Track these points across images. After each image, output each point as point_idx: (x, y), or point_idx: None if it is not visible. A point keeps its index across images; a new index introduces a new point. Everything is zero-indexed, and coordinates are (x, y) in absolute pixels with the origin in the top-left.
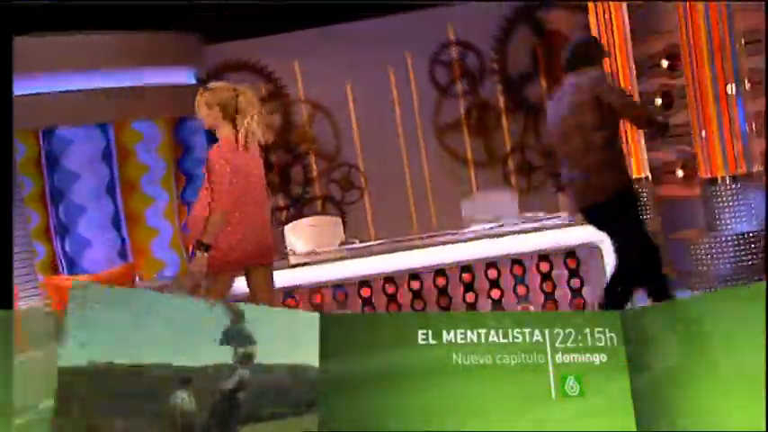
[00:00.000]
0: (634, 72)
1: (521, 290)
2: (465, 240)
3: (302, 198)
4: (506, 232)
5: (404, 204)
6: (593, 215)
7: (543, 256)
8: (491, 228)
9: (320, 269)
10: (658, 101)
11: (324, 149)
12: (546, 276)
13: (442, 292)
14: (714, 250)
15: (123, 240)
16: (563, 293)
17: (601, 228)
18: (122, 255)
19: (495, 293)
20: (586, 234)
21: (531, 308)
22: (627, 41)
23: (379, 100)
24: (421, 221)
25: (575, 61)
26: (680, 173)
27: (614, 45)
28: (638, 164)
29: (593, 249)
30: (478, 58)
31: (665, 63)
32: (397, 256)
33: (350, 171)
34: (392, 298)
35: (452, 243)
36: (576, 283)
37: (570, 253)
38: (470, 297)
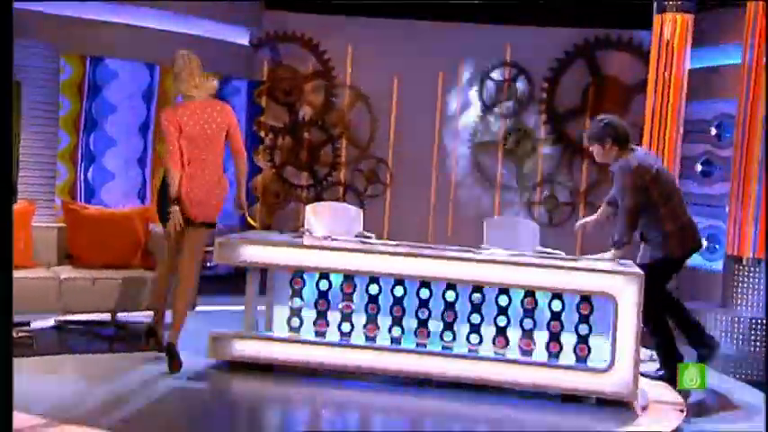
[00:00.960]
0: (681, 133)
1: (527, 323)
2: (480, 261)
3: (326, 180)
4: (525, 263)
5: (424, 210)
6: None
7: (557, 294)
8: (511, 254)
9: (332, 255)
10: (699, 167)
11: (357, 138)
12: (556, 316)
13: (450, 306)
14: (723, 328)
15: (145, 181)
16: (570, 337)
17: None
18: (141, 195)
19: (502, 320)
20: (605, 283)
21: (533, 346)
22: (681, 100)
23: (423, 101)
24: (437, 231)
25: (590, 137)
26: (704, 243)
27: (667, 103)
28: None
29: (610, 301)
30: (529, 84)
31: (713, 130)
32: (411, 261)
33: (378, 165)
34: (399, 301)
35: (467, 261)
36: (584, 329)
37: (585, 298)
38: (476, 318)
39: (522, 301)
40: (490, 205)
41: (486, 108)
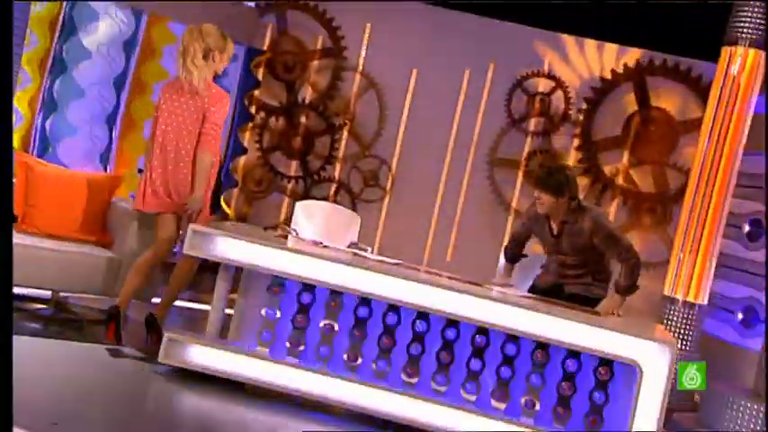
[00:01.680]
0: (732, 185)
1: (534, 379)
2: (493, 300)
3: (317, 175)
4: (543, 310)
5: (423, 227)
6: None
7: (574, 353)
8: (527, 297)
9: (320, 265)
10: (746, 227)
11: (360, 131)
12: (569, 377)
13: (447, 345)
14: (748, 416)
15: (110, 143)
16: (581, 403)
17: None
18: (104, 158)
19: (506, 372)
20: (631, 347)
21: (538, 406)
22: (738, 147)
23: (441, 101)
24: (435, 253)
25: (546, 185)
26: (740, 315)
27: (722, 149)
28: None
29: (633, 369)
30: (566, 102)
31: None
32: (411, 287)
33: (380, 166)
34: (389, 331)
35: (477, 297)
36: (599, 397)
37: (606, 362)
38: (476, 364)
39: (532, 353)
40: (500, 232)
41: (513, 121)
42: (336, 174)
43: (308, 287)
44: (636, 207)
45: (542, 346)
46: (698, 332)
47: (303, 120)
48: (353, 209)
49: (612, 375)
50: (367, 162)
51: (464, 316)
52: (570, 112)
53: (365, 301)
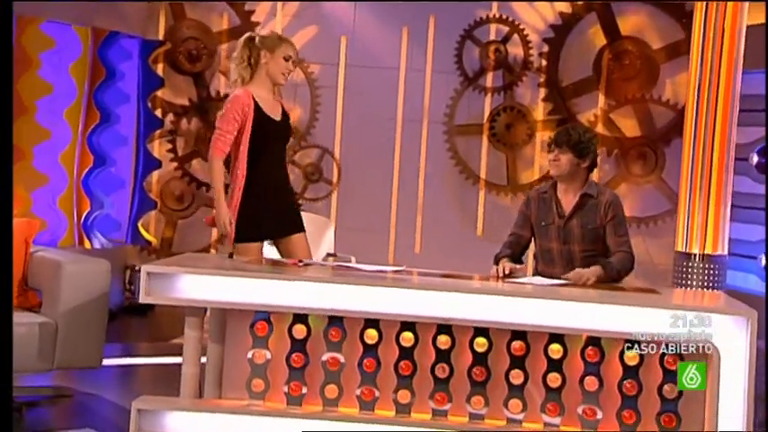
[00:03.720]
0: (736, 114)
1: (590, 383)
2: (524, 295)
3: None
4: (589, 298)
5: (382, 218)
6: None
7: (632, 342)
8: (563, 285)
9: (309, 289)
10: (754, 158)
11: (291, 119)
12: (631, 372)
13: (479, 359)
14: None
15: None
16: (651, 402)
17: None
18: None
19: (554, 379)
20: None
21: (599, 414)
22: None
23: (381, 68)
24: (401, 247)
25: (571, 143)
26: (763, 260)
27: (718, 73)
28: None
29: (709, 349)
30: (524, 47)
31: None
32: (424, 296)
33: (322, 157)
34: (407, 353)
35: (505, 294)
36: (671, 391)
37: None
38: (518, 376)
39: (582, 352)
40: (472, 209)
41: (467, 79)
42: None
43: (299, 317)
44: (623, 155)
45: (593, 341)
46: (723, 288)
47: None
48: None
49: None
50: (305, 154)
51: (498, 321)
52: (531, 58)
53: (371, 322)
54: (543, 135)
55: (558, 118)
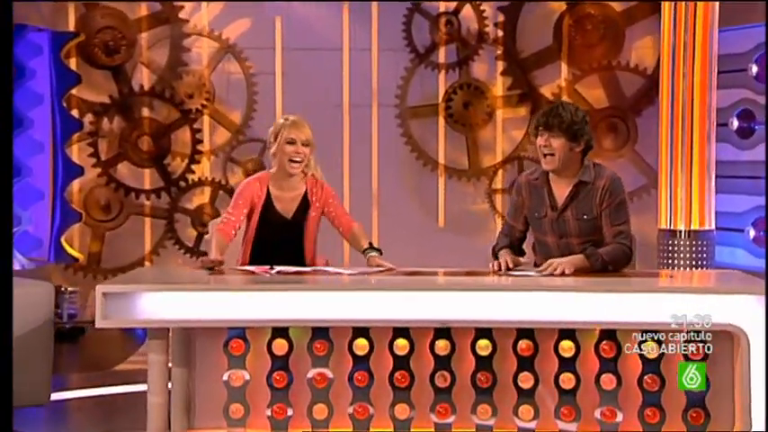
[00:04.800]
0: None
1: (607, 381)
2: (533, 289)
3: (183, 180)
4: (598, 287)
5: None
6: None
7: (650, 332)
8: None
9: (289, 299)
10: (734, 123)
11: (226, 111)
12: (651, 366)
13: (483, 363)
14: None
15: None
16: (676, 397)
17: None
18: None
19: (567, 380)
20: (727, 310)
21: (618, 415)
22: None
23: (322, 49)
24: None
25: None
26: (751, 232)
27: (693, 36)
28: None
29: (734, 335)
30: (478, 18)
31: (753, 68)
32: (418, 297)
33: (263, 151)
34: (402, 363)
35: (512, 290)
36: (693, 379)
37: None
38: (527, 379)
39: (596, 348)
40: (432, 197)
41: (418, 56)
42: (207, 173)
43: (279, 331)
44: (592, 129)
45: (608, 334)
46: (712, 264)
47: (146, 113)
48: None
49: (709, 353)
50: (244, 149)
51: (501, 320)
52: (486, 29)
53: (360, 331)
54: (504, 113)
55: (519, 93)
